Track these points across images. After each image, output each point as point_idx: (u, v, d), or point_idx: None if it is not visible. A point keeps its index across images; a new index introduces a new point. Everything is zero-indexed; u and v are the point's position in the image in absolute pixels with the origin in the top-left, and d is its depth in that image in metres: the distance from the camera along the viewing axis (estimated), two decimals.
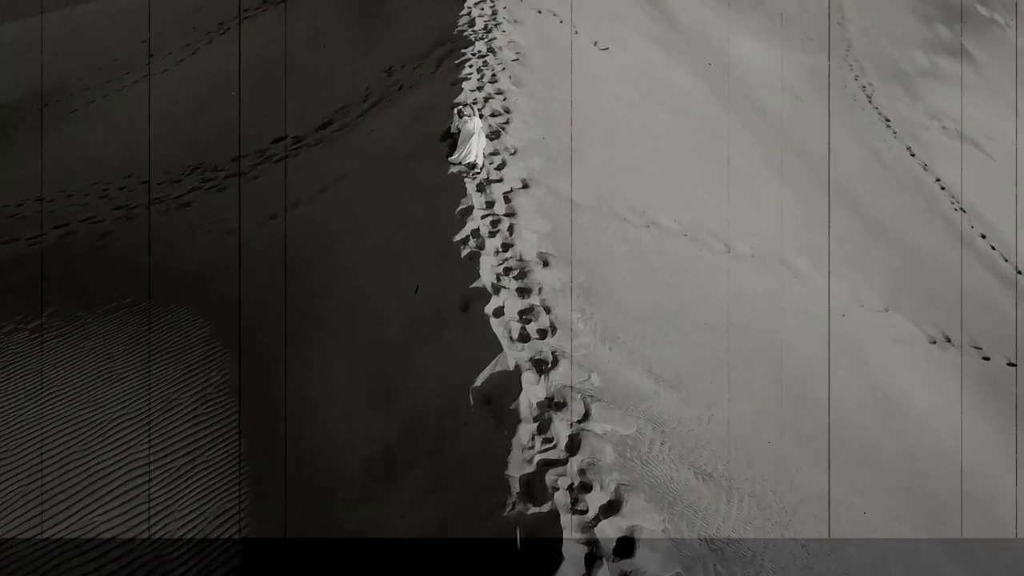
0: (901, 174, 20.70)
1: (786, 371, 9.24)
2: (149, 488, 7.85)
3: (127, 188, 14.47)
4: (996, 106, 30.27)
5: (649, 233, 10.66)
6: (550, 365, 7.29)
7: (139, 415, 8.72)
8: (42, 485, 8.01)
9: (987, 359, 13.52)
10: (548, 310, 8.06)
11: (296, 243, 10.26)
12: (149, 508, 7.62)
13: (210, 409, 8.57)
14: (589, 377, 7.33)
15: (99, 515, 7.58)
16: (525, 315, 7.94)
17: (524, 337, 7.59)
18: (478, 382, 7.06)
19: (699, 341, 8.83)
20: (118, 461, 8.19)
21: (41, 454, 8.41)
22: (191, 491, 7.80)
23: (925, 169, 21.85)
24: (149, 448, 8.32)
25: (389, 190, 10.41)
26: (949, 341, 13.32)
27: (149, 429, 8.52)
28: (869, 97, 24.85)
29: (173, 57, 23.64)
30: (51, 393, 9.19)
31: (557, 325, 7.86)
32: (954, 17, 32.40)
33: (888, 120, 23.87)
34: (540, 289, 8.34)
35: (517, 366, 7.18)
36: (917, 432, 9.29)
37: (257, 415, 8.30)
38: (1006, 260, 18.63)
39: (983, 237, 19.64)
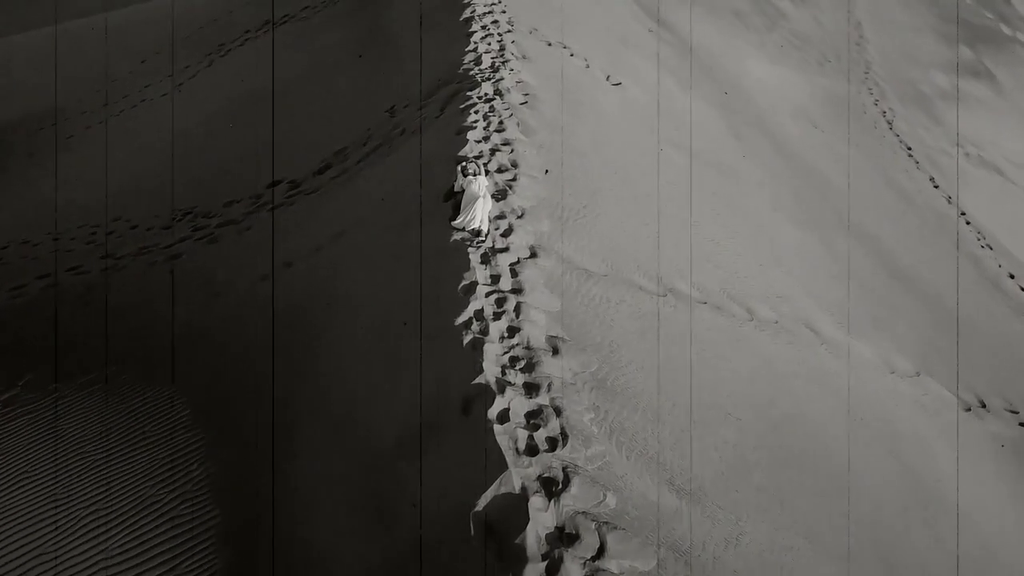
0: (925, 209, 19.85)
1: (819, 467, 8.46)
2: None
3: (115, 233, 13.79)
4: (1020, 129, 29.33)
5: (666, 303, 9.90)
6: (561, 486, 6.53)
7: (112, 513, 8.01)
8: None
9: (1023, 425, 12.69)
10: (558, 412, 7.31)
11: (285, 314, 9.53)
12: None
13: (188, 511, 7.85)
14: (604, 498, 6.57)
15: None
16: (533, 418, 7.20)
17: (532, 449, 6.84)
18: (479, 506, 6.32)
19: (724, 438, 8.06)
20: (86, 570, 7.49)
21: None
22: None
23: (949, 202, 20.99)
24: (122, 554, 7.61)
25: (386, 257, 9.68)
26: (984, 407, 12.50)
27: (123, 531, 7.81)
28: (890, 123, 23.99)
29: (173, 80, 22.98)
30: (16, 482, 8.49)
31: (568, 431, 7.11)
32: (975, 37, 31.49)
33: (910, 148, 23.00)
34: (550, 385, 7.59)
35: (524, 487, 6.44)
36: (966, 537, 8.48)
37: (237, 522, 7.57)
38: None
39: (1011, 277, 18.77)
